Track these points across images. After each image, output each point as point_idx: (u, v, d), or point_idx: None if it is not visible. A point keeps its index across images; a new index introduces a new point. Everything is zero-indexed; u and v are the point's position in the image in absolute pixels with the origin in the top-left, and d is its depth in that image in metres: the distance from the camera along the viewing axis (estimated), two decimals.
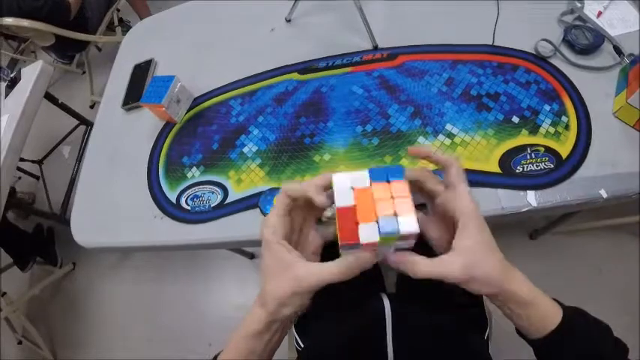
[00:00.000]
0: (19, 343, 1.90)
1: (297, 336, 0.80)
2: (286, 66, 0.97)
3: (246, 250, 1.72)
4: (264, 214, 0.75)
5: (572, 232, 1.38)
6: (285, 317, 0.43)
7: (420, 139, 0.76)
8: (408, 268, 0.41)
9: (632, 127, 0.68)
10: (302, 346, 0.78)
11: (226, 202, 0.82)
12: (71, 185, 2.08)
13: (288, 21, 1.06)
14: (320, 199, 0.42)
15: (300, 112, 0.88)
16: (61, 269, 2.06)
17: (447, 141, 0.74)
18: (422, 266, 0.41)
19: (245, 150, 0.87)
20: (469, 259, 0.41)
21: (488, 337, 0.76)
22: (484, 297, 0.78)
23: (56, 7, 1.92)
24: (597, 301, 1.26)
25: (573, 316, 0.44)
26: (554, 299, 0.46)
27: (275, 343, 0.47)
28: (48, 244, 2.10)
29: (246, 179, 0.83)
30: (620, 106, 0.69)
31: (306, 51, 0.98)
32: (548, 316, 0.43)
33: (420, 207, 0.46)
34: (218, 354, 0.48)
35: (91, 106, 2.62)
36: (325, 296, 0.74)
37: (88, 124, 2.15)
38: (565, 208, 0.68)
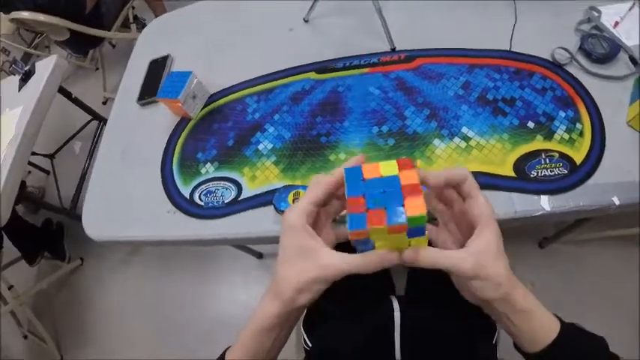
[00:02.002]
0: (25, 337, 1.91)
1: (305, 336, 0.80)
2: (303, 65, 0.98)
3: (255, 249, 1.73)
4: (278, 211, 0.76)
5: (582, 242, 1.37)
6: (300, 306, 0.43)
7: (436, 141, 0.77)
8: (417, 255, 0.41)
9: None
10: (310, 345, 0.78)
11: (240, 198, 0.83)
12: (82, 180, 2.09)
13: (306, 21, 1.07)
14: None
15: (317, 111, 0.89)
16: (69, 264, 2.07)
17: (463, 144, 0.75)
18: (431, 253, 0.41)
19: (260, 147, 0.88)
20: (481, 257, 0.41)
21: (496, 342, 0.76)
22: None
23: (72, 2, 1.94)
24: (605, 310, 1.27)
25: (570, 331, 0.44)
26: (554, 314, 0.46)
27: (282, 340, 0.47)
28: (56, 239, 2.11)
29: (260, 176, 0.84)
30: (634, 115, 0.69)
31: (323, 51, 0.99)
32: (546, 329, 0.43)
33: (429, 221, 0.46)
34: (226, 350, 0.49)
35: (104, 103, 2.64)
36: (335, 297, 0.75)
37: (101, 120, 2.16)
38: (578, 214, 0.68)
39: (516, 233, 1.43)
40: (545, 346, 0.42)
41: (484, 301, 0.43)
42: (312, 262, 0.41)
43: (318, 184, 0.45)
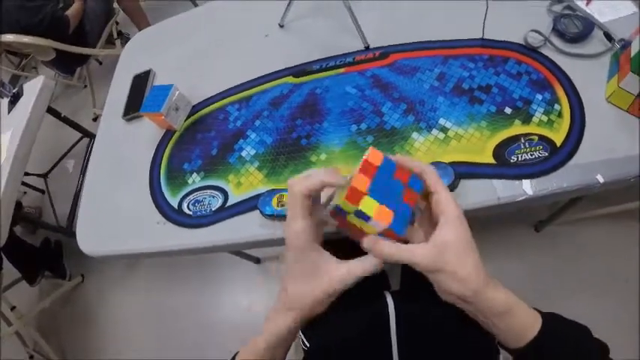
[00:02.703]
0: (31, 357, 1.92)
1: (302, 336, 0.80)
2: (281, 70, 0.99)
3: (252, 254, 1.73)
4: (264, 215, 0.76)
5: (577, 222, 1.37)
6: (317, 315, 0.45)
7: (414, 134, 0.77)
8: (375, 248, 0.42)
9: (626, 110, 0.68)
10: (308, 346, 0.78)
11: (227, 205, 0.84)
12: (76, 198, 2.11)
13: (282, 26, 1.08)
14: (338, 179, 0.44)
15: (296, 114, 0.89)
16: (70, 282, 2.08)
17: (441, 135, 0.75)
18: (386, 248, 0.42)
19: (243, 154, 0.89)
20: (441, 251, 0.41)
21: None
22: None
23: (55, 22, 1.94)
24: (603, 289, 1.27)
25: (551, 325, 0.43)
26: (534, 308, 0.46)
27: (287, 350, 0.49)
28: (56, 258, 2.12)
29: (245, 182, 0.85)
30: (613, 90, 0.69)
31: (299, 54, 0.99)
32: (526, 326, 0.43)
33: None
34: (236, 354, 0.50)
35: (94, 119, 2.65)
36: None
37: (91, 137, 2.17)
38: (562, 195, 0.68)
39: (511, 218, 1.44)
40: (527, 342, 0.42)
41: (455, 298, 0.43)
42: (322, 277, 0.43)
43: (304, 192, 0.44)
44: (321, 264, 0.43)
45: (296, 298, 0.44)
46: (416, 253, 0.41)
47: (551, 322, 0.44)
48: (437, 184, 0.45)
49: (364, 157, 0.43)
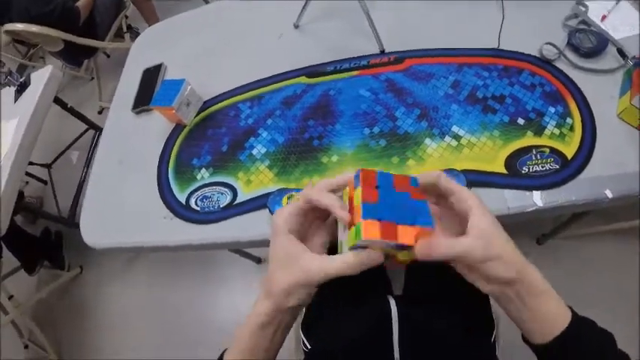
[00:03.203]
0: (26, 347, 1.91)
1: (303, 337, 0.80)
2: (294, 70, 0.99)
3: (254, 254, 1.73)
4: (272, 213, 0.76)
5: (581, 237, 1.37)
6: (290, 308, 0.44)
7: (427, 140, 0.77)
8: (430, 249, 0.41)
9: (636, 128, 0.69)
10: (309, 347, 0.78)
11: (235, 202, 0.84)
12: (79, 189, 2.10)
13: (297, 26, 1.08)
14: (342, 213, 0.42)
15: (309, 115, 0.89)
16: (69, 273, 2.07)
17: (454, 142, 0.76)
18: (443, 243, 0.40)
19: (254, 152, 0.89)
20: (488, 238, 0.40)
21: (495, 339, 0.76)
22: (490, 299, 0.78)
23: (66, 13, 1.94)
24: (606, 305, 1.26)
25: (581, 321, 0.43)
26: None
27: (277, 341, 0.48)
28: (55, 248, 2.11)
29: (255, 180, 0.85)
30: (624, 107, 0.69)
31: (314, 55, 0.99)
32: (558, 314, 0.43)
33: None
34: (224, 351, 0.49)
35: (100, 112, 2.65)
36: (332, 298, 0.75)
37: (97, 129, 2.17)
38: (571, 209, 0.69)
39: (513, 230, 1.41)
40: (558, 334, 0.42)
41: (500, 284, 0.42)
42: (295, 267, 0.42)
43: (306, 199, 0.45)
44: (296, 254, 0.43)
45: (273, 283, 0.43)
46: (466, 246, 0.40)
47: (581, 319, 0.44)
48: (450, 184, 0.44)
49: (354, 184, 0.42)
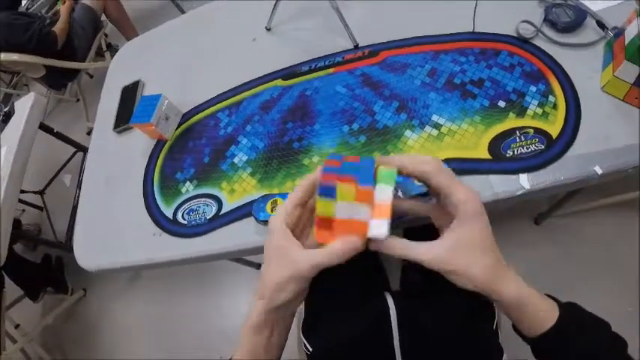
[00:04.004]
0: None
1: (304, 340, 0.79)
2: (270, 73, 0.98)
3: (253, 261, 1.72)
4: (258, 221, 0.75)
5: (577, 213, 1.36)
6: (282, 304, 0.44)
7: (407, 132, 0.76)
8: (385, 247, 0.42)
9: (622, 99, 0.67)
10: (310, 350, 0.77)
11: (221, 213, 0.83)
12: (74, 213, 2.09)
13: (269, 29, 1.07)
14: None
15: (287, 118, 0.88)
16: (72, 296, 2.07)
17: (434, 132, 0.74)
18: (395, 243, 0.42)
19: (236, 160, 0.88)
20: (452, 251, 0.41)
21: (497, 325, 0.75)
22: None
23: (43, 38, 1.95)
24: (606, 280, 1.25)
25: (569, 315, 0.43)
26: (551, 297, 0.45)
27: (277, 341, 0.48)
28: (57, 273, 2.11)
29: (238, 189, 0.84)
30: (608, 79, 0.68)
31: (288, 57, 0.98)
32: (543, 317, 0.43)
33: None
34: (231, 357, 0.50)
35: (88, 133, 2.65)
36: (330, 298, 0.74)
37: (85, 151, 2.17)
38: (561, 188, 0.67)
39: (510, 212, 1.42)
40: (544, 332, 0.42)
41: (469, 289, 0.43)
42: (284, 260, 0.43)
43: (297, 187, 0.47)
44: (286, 247, 0.43)
45: (264, 282, 0.44)
46: (426, 255, 0.41)
47: (569, 314, 0.44)
48: (451, 182, 0.43)
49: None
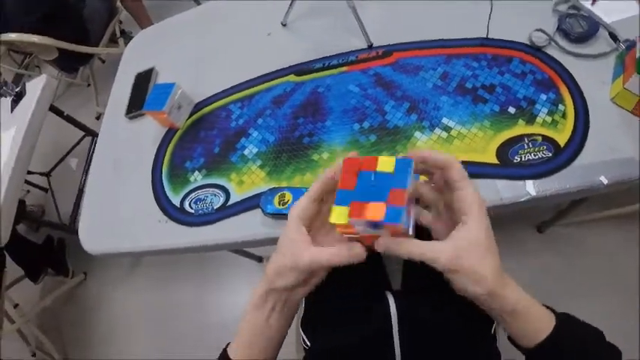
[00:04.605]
0: (33, 355, 1.92)
1: (303, 335, 0.80)
2: (283, 68, 0.99)
3: (255, 253, 1.73)
4: (265, 214, 0.76)
5: (580, 223, 1.37)
6: (280, 288, 0.46)
7: (417, 133, 0.77)
8: (393, 247, 0.42)
9: (630, 112, 0.68)
10: (308, 345, 0.78)
11: (229, 203, 0.83)
12: (79, 196, 2.11)
13: (284, 25, 1.07)
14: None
15: (298, 113, 0.89)
16: (73, 279, 2.08)
17: (444, 134, 0.75)
18: (405, 244, 0.41)
19: (246, 152, 0.89)
20: (461, 250, 0.40)
21: (495, 331, 0.76)
22: None
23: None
24: (607, 291, 1.26)
25: (564, 326, 0.43)
26: (548, 307, 0.45)
27: (275, 326, 0.49)
28: (58, 256, 2.12)
29: (247, 181, 0.85)
30: (618, 91, 0.68)
31: (302, 53, 0.99)
32: (538, 327, 0.43)
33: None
34: (228, 345, 0.52)
35: (97, 118, 2.66)
36: (331, 296, 0.75)
37: (94, 135, 2.18)
38: (566, 196, 0.68)
39: (513, 219, 1.43)
40: (538, 343, 0.42)
41: (469, 296, 0.42)
42: (289, 251, 0.45)
43: (317, 180, 0.48)
44: (296, 240, 0.45)
45: (269, 266, 0.47)
46: (435, 252, 0.40)
47: (565, 324, 0.43)
48: (463, 179, 0.43)
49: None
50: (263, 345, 0.49)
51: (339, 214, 0.40)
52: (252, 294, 0.49)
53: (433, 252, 0.40)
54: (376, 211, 0.38)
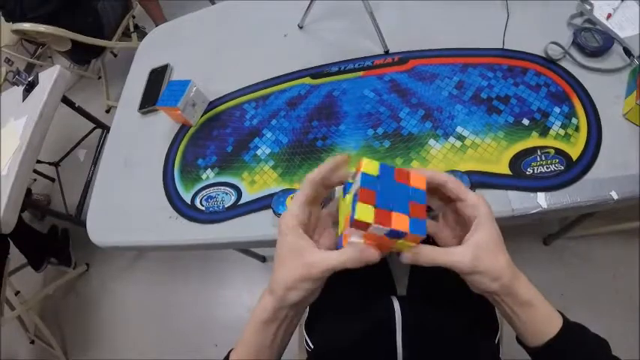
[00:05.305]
0: (32, 342, 1.94)
1: (307, 337, 0.81)
2: (299, 71, 0.99)
3: (259, 253, 1.74)
4: (276, 214, 0.76)
5: (588, 237, 1.37)
6: (293, 303, 0.44)
7: (431, 141, 0.77)
8: (416, 255, 0.43)
9: None
10: (312, 347, 0.79)
11: (240, 203, 0.84)
12: (86, 188, 2.12)
13: (301, 27, 1.08)
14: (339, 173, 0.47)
15: (313, 116, 0.90)
16: (75, 270, 2.10)
17: (458, 143, 0.75)
18: (429, 252, 0.43)
19: (259, 152, 0.89)
20: (479, 252, 0.43)
21: (499, 340, 0.76)
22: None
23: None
24: (611, 306, 1.26)
25: (573, 327, 0.45)
26: (558, 311, 0.47)
27: (282, 338, 0.48)
28: (62, 245, 2.14)
29: (259, 181, 0.85)
30: (630, 107, 0.69)
31: (318, 56, 0.99)
32: (547, 322, 0.45)
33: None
34: (230, 351, 0.50)
35: (107, 111, 2.67)
36: (336, 298, 0.76)
37: (104, 128, 2.19)
38: (576, 210, 0.68)
39: (520, 231, 1.43)
40: (548, 339, 0.44)
41: (484, 292, 0.45)
42: (298, 261, 0.43)
43: (305, 182, 0.47)
44: (301, 248, 0.43)
45: (276, 280, 0.44)
46: (455, 257, 0.43)
47: (573, 326, 0.45)
48: (461, 191, 0.46)
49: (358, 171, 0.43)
50: (267, 357, 0.48)
51: (363, 212, 0.39)
52: (261, 309, 0.46)
53: (455, 257, 0.43)
54: (401, 222, 0.40)
